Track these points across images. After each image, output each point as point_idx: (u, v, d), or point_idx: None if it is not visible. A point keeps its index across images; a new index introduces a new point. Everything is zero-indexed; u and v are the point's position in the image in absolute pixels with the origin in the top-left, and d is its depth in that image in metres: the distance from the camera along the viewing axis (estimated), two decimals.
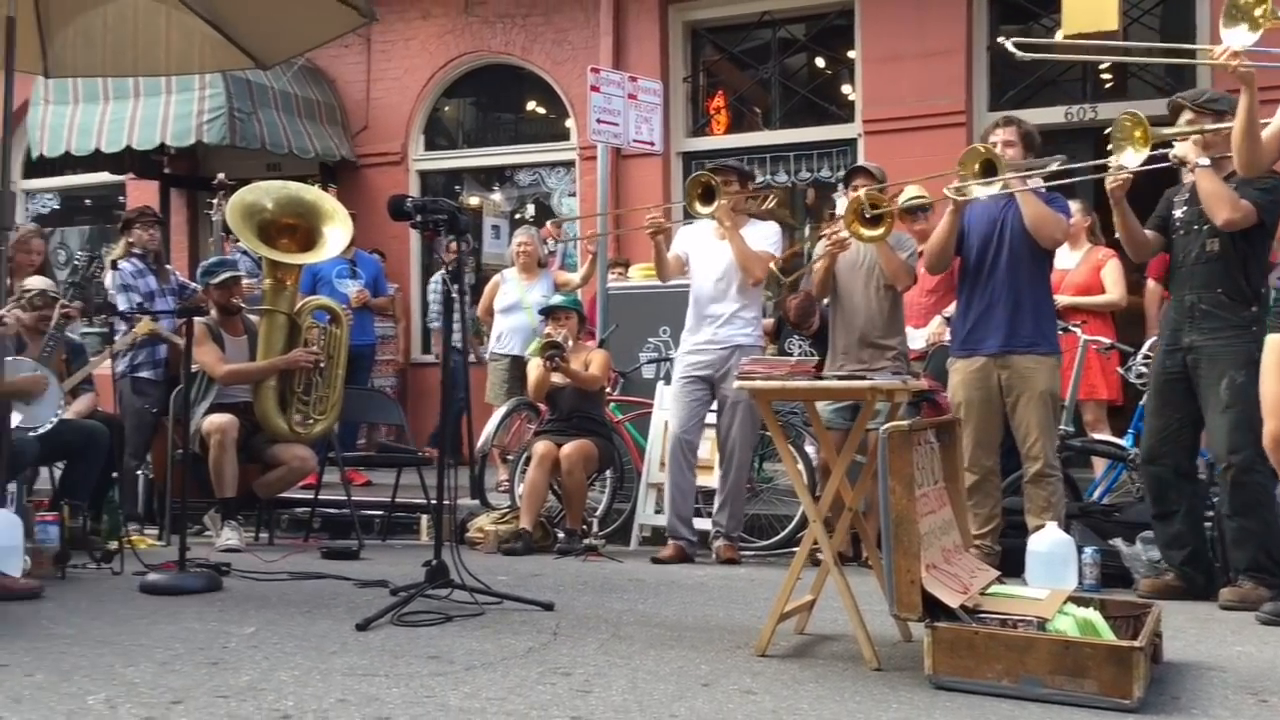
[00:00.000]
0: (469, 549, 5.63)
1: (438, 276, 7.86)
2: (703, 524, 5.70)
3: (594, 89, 7.14)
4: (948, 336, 5.34)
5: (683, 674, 3.20)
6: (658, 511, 6.08)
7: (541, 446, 5.85)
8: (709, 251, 5.60)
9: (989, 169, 4.50)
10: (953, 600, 3.12)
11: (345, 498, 6.32)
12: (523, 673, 3.20)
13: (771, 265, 5.69)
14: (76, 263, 10.73)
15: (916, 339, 5.71)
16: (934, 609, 3.08)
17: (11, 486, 4.83)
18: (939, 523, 3.44)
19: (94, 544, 4.98)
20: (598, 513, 6.26)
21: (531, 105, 10.09)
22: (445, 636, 3.65)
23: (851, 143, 8.65)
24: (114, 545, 4.92)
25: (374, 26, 9.05)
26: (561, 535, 5.86)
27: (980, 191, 4.55)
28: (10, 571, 4.27)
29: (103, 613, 3.98)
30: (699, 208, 5.39)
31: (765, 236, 5.59)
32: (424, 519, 6.51)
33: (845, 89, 8.98)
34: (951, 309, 5.31)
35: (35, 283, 5.53)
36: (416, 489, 6.27)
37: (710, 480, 5.80)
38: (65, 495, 5.21)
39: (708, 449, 5.88)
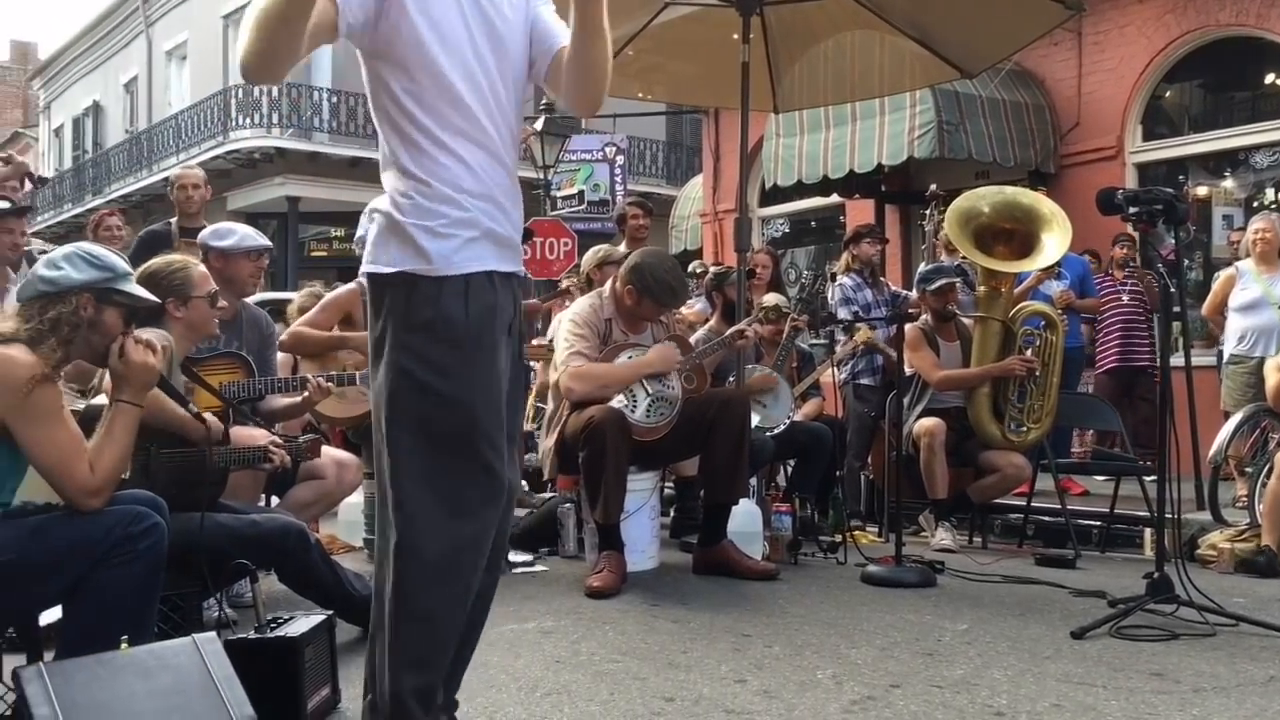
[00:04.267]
0: (1199, 566, 5.17)
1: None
2: None
3: None
4: None
5: None
6: None
7: None
8: None
9: None
10: None
11: (1059, 506, 6.14)
12: (1261, 702, 2.86)
13: None
14: (803, 280, 11.78)
15: None
16: None
17: (751, 480, 5.41)
18: None
19: (821, 535, 5.40)
20: None
21: (1270, 78, 9.01)
22: (1170, 654, 3.39)
23: None
24: (838, 538, 5.28)
25: (1084, 19, 8.73)
26: None
27: None
28: (752, 554, 4.79)
29: (828, 597, 4.28)
30: None
31: None
32: (1147, 531, 6.09)
33: None
34: None
35: (770, 299, 6.15)
36: (1138, 500, 5.90)
37: None
38: (796, 489, 5.74)
39: None
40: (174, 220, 5.95)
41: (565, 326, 4.74)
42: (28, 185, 5.40)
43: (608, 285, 4.91)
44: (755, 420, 5.29)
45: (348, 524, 5.35)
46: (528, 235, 7.00)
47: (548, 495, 6.02)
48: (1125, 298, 7.92)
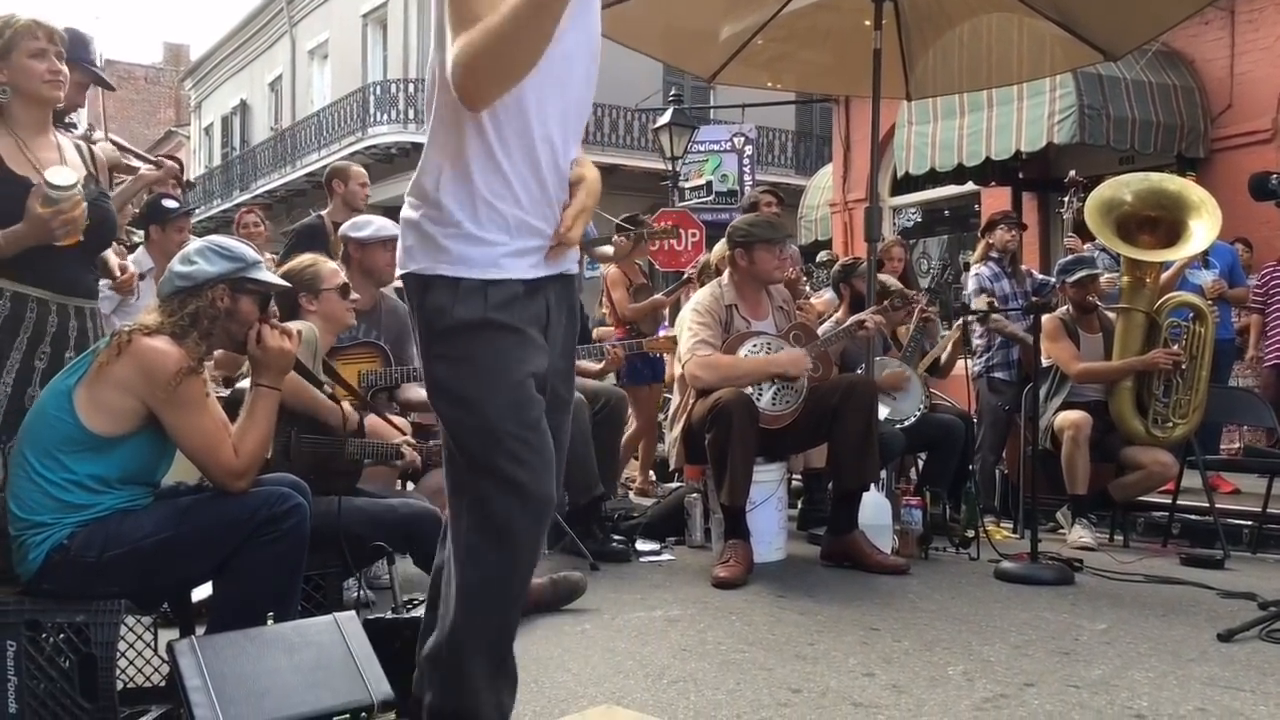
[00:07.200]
0: None
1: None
2: None
3: None
4: None
5: None
6: None
7: None
8: None
9: None
10: None
11: (1208, 504, 5.89)
12: None
13: None
14: (934, 271, 11.55)
15: None
16: None
17: (882, 473, 5.33)
18: None
19: (953, 530, 5.29)
20: None
21: None
22: None
23: None
24: (971, 533, 5.16)
25: None
26: None
27: None
28: (881, 548, 4.73)
29: (960, 593, 4.19)
30: None
31: None
32: None
33: None
34: None
35: (889, 280, 6.02)
36: None
37: None
38: (927, 483, 5.63)
39: None
40: (325, 213, 5.92)
41: (688, 316, 4.75)
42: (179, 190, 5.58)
43: (726, 273, 4.91)
44: (884, 412, 5.22)
45: None
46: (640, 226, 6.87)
47: (674, 485, 6.03)
48: None
